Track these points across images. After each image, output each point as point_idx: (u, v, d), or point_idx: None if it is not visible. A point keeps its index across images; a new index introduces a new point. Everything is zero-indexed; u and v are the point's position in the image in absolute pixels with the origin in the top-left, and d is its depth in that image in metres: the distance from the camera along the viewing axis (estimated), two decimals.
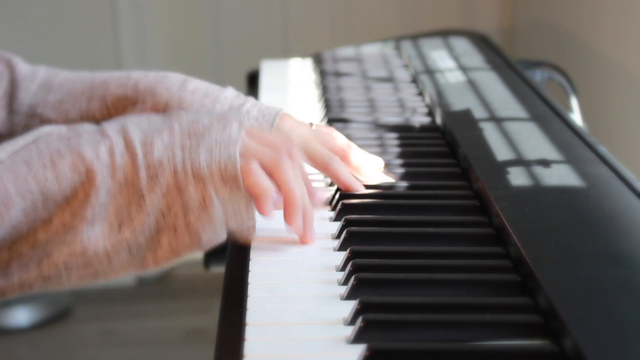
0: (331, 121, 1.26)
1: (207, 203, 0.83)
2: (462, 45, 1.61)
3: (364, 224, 0.91)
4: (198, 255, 0.91)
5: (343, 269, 0.83)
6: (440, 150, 1.13)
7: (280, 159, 0.86)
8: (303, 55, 1.73)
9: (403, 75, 1.49)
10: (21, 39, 2.36)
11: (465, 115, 1.19)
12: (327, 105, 1.34)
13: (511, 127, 1.13)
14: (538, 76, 1.51)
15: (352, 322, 0.73)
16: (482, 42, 1.64)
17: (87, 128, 0.85)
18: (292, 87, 1.53)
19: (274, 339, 0.72)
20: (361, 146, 1.05)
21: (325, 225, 0.93)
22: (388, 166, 1.07)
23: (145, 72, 1.05)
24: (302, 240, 0.89)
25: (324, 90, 1.42)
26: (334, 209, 0.97)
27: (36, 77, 1.06)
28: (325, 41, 2.33)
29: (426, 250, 0.86)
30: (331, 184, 1.04)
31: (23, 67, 1.07)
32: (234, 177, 0.83)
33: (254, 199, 0.85)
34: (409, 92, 1.39)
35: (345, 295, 0.78)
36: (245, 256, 0.86)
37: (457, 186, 1.01)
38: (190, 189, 0.83)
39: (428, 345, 0.69)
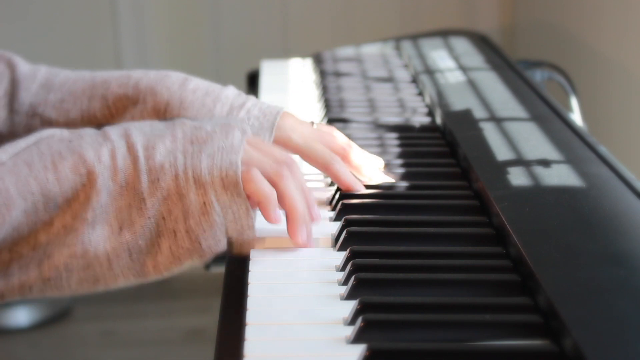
0: (331, 121, 1.26)
1: (208, 208, 0.83)
2: (462, 45, 1.62)
3: (364, 224, 0.91)
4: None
5: (343, 269, 0.83)
6: (440, 150, 1.13)
7: (281, 169, 0.86)
8: (303, 55, 1.74)
9: (403, 75, 1.49)
10: (21, 39, 2.36)
11: (465, 115, 1.19)
12: (327, 105, 1.34)
13: (511, 127, 1.13)
14: (538, 76, 1.51)
15: (352, 322, 0.73)
16: (482, 42, 1.64)
17: (89, 131, 0.86)
18: (292, 87, 1.53)
19: (274, 339, 0.72)
20: (361, 146, 1.05)
21: (325, 225, 0.93)
22: (388, 166, 1.07)
23: (146, 71, 1.05)
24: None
25: (324, 90, 1.42)
26: (334, 209, 0.97)
27: (37, 77, 1.06)
28: (325, 41, 2.33)
29: (426, 250, 0.86)
30: (331, 184, 1.04)
31: (24, 67, 1.07)
32: (235, 184, 0.83)
33: (258, 206, 0.85)
34: (409, 92, 1.39)
35: (345, 295, 0.78)
36: (245, 256, 0.86)
37: (457, 186, 1.01)
38: (191, 194, 0.83)
39: (428, 345, 0.69)
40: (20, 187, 0.80)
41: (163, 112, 1.01)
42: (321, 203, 0.99)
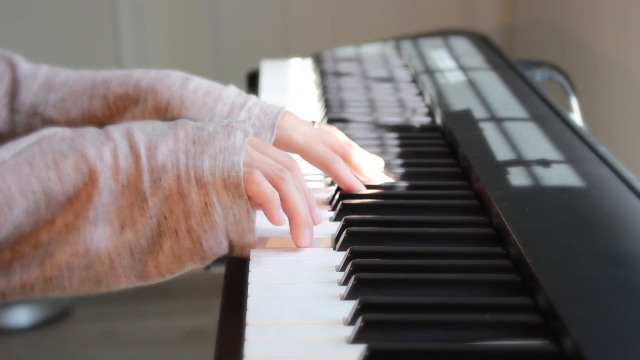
0: (331, 121, 1.26)
1: (209, 209, 0.83)
2: (462, 45, 1.62)
3: (364, 224, 0.91)
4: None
5: (343, 269, 0.83)
6: (440, 150, 1.13)
7: (283, 171, 0.86)
8: (303, 55, 1.74)
9: (403, 75, 1.49)
10: (21, 39, 2.36)
11: (465, 115, 1.19)
12: (327, 105, 1.34)
13: (511, 127, 1.13)
14: (538, 76, 1.51)
15: (352, 322, 0.73)
16: (482, 42, 1.64)
17: (91, 130, 0.86)
18: (292, 87, 1.53)
19: (274, 339, 0.72)
20: (361, 146, 1.06)
21: (325, 225, 0.93)
22: (388, 166, 1.07)
23: (147, 71, 1.05)
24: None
25: (324, 90, 1.42)
26: (334, 209, 0.97)
27: (38, 76, 1.06)
28: (325, 41, 2.33)
29: (426, 250, 0.86)
30: (331, 184, 1.04)
31: (24, 66, 1.07)
32: (237, 185, 0.83)
33: (262, 208, 0.85)
34: (409, 92, 1.40)
35: (345, 295, 0.78)
36: (246, 257, 0.86)
37: (457, 186, 1.01)
38: (193, 195, 0.83)
39: (428, 345, 0.69)
40: (22, 185, 0.80)
41: (164, 112, 1.01)
42: (321, 203, 0.99)
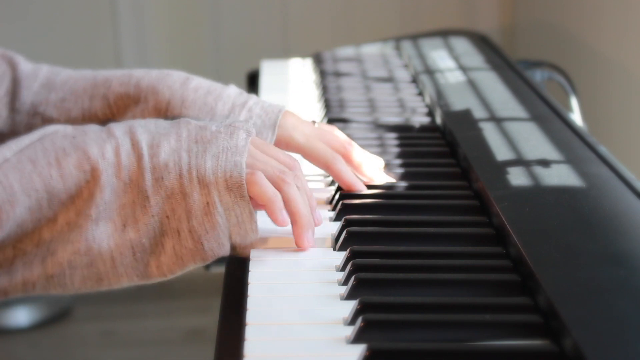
0: (331, 121, 1.26)
1: (211, 209, 0.83)
2: (462, 45, 1.62)
3: (364, 224, 0.91)
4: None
5: (343, 269, 0.83)
6: (440, 150, 1.13)
7: (285, 172, 0.86)
8: (303, 55, 1.74)
9: (403, 75, 1.49)
10: (21, 39, 2.36)
11: (465, 115, 1.19)
12: (327, 105, 1.34)
13: (511, 127, 1.13)
14: (538, 76, 1.51)
15: (352, 322, 0.73)
16: (482, 42, 1.64)
17: (94, 128, 0.86)
18: (292, 87, 1.53)
19: (274, 339, 0.72)
20: (361, 146, 1.05)
21: (325, 225, 0.93)
22: (388, 166, 1.07)
23: (148, 70, 1.05)
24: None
25: (324, 90, 1.42)
26: (334, 208, 0.97)
27: (38, 76, 1.06)
28: (325, 41, 2.33)
29: (426, 250, 0.86)
30: (331, 183, 1.04)
31: (25, 66, 1.07)
32: (239, 185, 0.83)
33: (265, 209, 0.85)
34: (409, 92, 1.40)
35: (345, 295, 0.78)
36: (246, 257, 0.86)
37: (457, 186, 1.01)
38: (195, 194, 0.83)
39: (428, 345, 0.69)
40: (24, 183, 0.80)
41: (164, 111, 1.01)
42: (321, 203, 0.99)
